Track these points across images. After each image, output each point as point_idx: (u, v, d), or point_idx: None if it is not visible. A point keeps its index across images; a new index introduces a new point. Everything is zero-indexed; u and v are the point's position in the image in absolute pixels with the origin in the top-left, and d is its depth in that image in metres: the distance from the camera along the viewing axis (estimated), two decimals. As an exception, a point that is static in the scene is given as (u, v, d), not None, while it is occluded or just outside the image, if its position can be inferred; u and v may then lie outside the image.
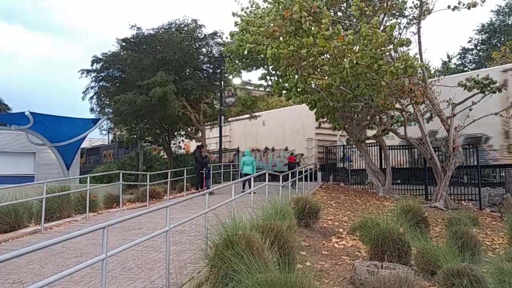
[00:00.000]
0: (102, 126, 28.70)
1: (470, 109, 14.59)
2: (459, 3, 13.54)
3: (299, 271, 5.45)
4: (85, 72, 22.16)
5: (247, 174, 16.06)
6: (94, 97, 22.94)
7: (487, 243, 9.81)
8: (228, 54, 18.34)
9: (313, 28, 12.28)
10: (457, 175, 16.40)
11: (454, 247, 7.26)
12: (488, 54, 33.13)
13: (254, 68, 18.69)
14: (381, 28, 12.86)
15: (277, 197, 9.26)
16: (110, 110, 23.30)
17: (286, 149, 25.03)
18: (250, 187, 11.05)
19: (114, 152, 37.03)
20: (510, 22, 37.71)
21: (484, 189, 16.47)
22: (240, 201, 8.56)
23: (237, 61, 18.52)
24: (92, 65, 22.06)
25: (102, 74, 22.55)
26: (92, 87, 22.65)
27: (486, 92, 14.19)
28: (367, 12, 12.57)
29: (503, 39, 35.06)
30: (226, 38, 19.70)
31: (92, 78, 22.39)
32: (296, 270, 5.54)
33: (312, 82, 14.46)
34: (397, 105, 14.96)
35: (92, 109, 23.81)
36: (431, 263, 6.73)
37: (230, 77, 21.19)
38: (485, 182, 17.46)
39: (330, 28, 12.17)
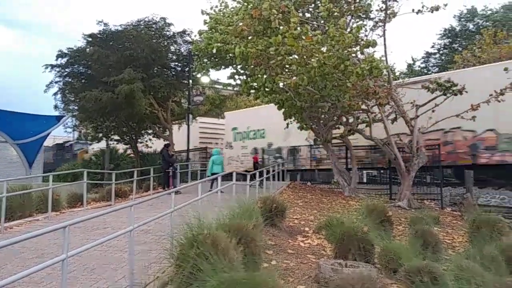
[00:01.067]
0: (67, 124, 28.04)
1: (433, 111, 15.00)
2: (422, 7, 13.93)
3: (264, 270, 5.49)
4: (50, 67, 21.57)
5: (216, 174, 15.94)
6: (58, 93, 22.38)
7: (447, 242, 10.05)
8: (196, 53, 18.22)
9: (282, 27, 12.35)
10: (420, 175, 16.82)
11: (416, 245, 7.44)
12: (450, 58, 34.14)
13: (223, 67, 18.63)
14: (348, 29, 13.06)
15: (244, 197, 9.27)
16: (75, 107, 22.76)
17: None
18: (217, 186, 11.01)
19: (54, 154, 37.42)
20: (471, 27, 38.96)
21: (446, 189, 16.94)
22: (207, 200, 8.53)
23: (205, 60, 18.42)
24: (56, 59, 21.49)
25: (67, 70, 21.95)
26: (56, 82, 22.05)
27: (448, 94, 14.62)
28: (335, 13, 12.74)
29: (464, 43, 36.18)
30: (195, 36, 19.59)
31: (56, 73, 21.81)
32: (262, 269, 5.57)
33: (280, 81, 14.55)
34: (363, 106, 15.22)
35: (56, 106, 23.21)
36: (394, 261, 6.84)
37: (199, 75, 21.05)
38: (446, 182, 17.96)
39: (299, 28, 12.28)
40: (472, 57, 27.65)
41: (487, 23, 36.18)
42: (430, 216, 11.13)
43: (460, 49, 35.18)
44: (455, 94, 14.51)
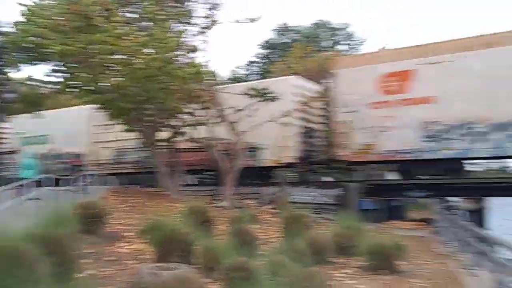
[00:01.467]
0: None
1: (250, 116, 15.97)
2: (242, 18, 14.98)
3: (78, 280, 5.20)
4: None
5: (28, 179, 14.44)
6: None
7: (264, 237, 10.69)
8: (9, 45, 16.35)
9: (106, 25, 11.91)
10: (243, 175, 17.75)
11: (234, 243, 7.84)
12: (269, 67, 37.00)
13: (41, 62, 17.04)
14: (173, 34, 13.19)
15: (61, 203, 8.67)
16: None
17: None
18: (29, 193, 10.05)
19: None
20: (287, 40, 42.76)
21: (264, 188, 18.19)
22: (14, 208, 7.75)
23: (20, 54, 16.63)
24: None
25: None
26: None
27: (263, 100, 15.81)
28: (160, 16, 12.77)
29: (281, 54, 39.46)
30: (12, 27, 17.57)
31: None
32: (75, 280, 5.27)
33: (103, 82, 13.97)
34: (188, 109, 15.51)
35: None
36: (214, 260, 7.08)
37: (11, 70, 18.86)
38: (265, 182, 19.23)
39: (125, 27, 12.00)
40: (286, 68, 30.22)
41: (299, 37, 40.20)
42: (249, 215, 11.85)
43: (280, 59, 38.23)
44: (272, 100, 15.77)
